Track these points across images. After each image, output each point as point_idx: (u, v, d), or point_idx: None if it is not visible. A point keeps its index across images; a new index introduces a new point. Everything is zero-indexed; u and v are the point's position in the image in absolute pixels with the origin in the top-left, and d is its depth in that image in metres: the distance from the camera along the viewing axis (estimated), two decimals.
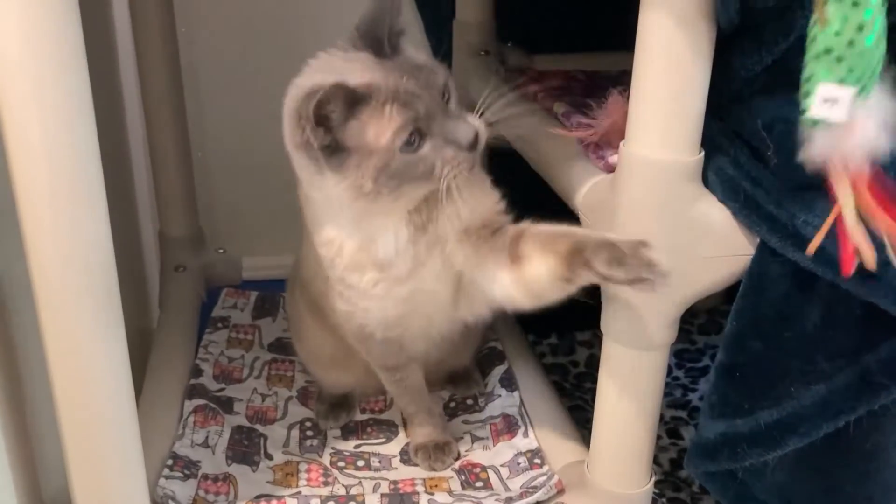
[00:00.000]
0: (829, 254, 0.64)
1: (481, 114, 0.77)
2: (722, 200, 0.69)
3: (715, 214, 0.69)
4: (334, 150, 0.74)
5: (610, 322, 0.76)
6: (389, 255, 0.81)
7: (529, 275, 0.77)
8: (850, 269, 0.61)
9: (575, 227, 0.76)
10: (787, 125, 0.67)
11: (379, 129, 0.73)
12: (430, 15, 1.38)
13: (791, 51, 0.65)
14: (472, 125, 0.75)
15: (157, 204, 1.35)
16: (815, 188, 0.67)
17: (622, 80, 0.73)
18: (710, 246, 0.69)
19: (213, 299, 1.29)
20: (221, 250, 1.38)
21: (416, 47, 0.79)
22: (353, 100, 0.72)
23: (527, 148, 0.96)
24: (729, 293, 1.41)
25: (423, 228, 0.80)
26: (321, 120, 0.72)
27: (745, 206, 0.68)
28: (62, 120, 0.58)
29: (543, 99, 0.98)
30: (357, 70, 0.75)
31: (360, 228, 0.80)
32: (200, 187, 1.39)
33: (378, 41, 0.76)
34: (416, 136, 0.73)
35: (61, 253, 0.61)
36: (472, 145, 0.75)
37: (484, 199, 0.83)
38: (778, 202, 0.67)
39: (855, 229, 0.60)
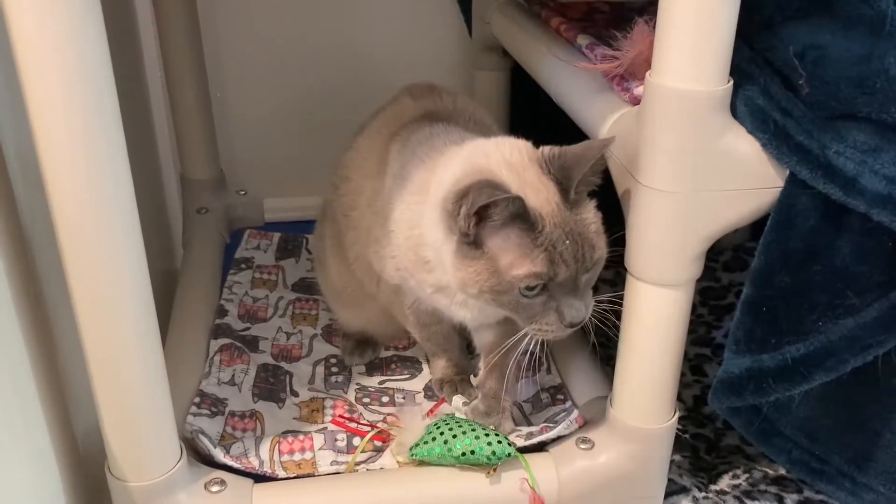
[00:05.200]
0: (862, 185, 0.63)
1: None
2: (751, 132, 0.67)
3: (743, 146, 0.67)
4: (470, 242, 0.74)
5: (633, 258, 0.75)
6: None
7: None
8: None
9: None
10: (820, 52, 0.65)
11: (515, 261, 0.72)
12: None
13: None
14: (584, 312, 0.75)
15: (178, 147, 1.35)
16: (848, 118, 0.65)
17: (647, 11, 0.71)
18: (738, 178, 0.68)
19: (235, 241, 1.29)
20: (243, 192, 1.39)
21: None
22: (519, 218, 0.71)
23: (550, 82, 0.94)
24: (754, 230, 1.40)
25: None
26: (479, 211, 0.71)
27: (774, 137, 0.66)
28: (78, 64, 0.56)
29: (566, 31, 0.96)
30: (540, 195, 0.73)
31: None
32: (221, 130, 1.38)
33: (567, 180, 0.74)
34: (538, 288, 0.73)
35: (81, 198, 0.60)
36: (573, 326, 0.76)
37: None
38: (809, 133, 0.65)
39: None
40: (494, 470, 0.80)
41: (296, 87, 1.45)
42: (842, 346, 0.68)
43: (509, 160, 0.76)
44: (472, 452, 0.79)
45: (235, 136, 1.46)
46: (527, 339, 0.78)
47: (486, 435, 0.80)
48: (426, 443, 0.81)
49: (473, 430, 0.80)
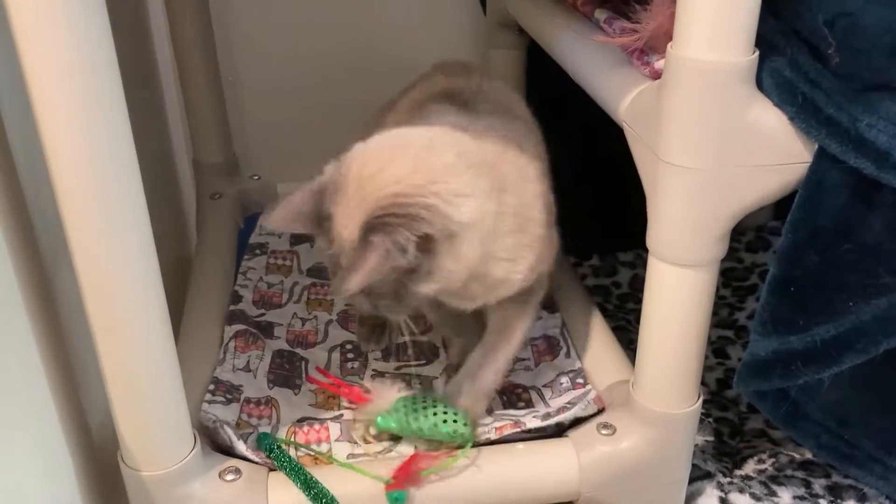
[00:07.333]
0: (895, 158, 0.60)
1: None
2: (777, 104, 0.64)
3: (770, 120, 0.64)
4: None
5: (655, 239, 0.72)
6: None
7: None
8: None
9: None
10: (850, 20, 0.62)
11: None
12: None
13: None
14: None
15: (190, 132, 1.34)
16: (881, 89, 0.62)
17: None
18: (764, 154, 0.65)
19: (250, 226, 1.28)
20: (256, 177, 1.37)
21: None
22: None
23: (567, 59, 0.91)
24: (778, 209, 1.36)
25: None
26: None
27: (802, 109, 0.63)
28: (81, 48, 0.54)
29: (584, 6, 0.93)
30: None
31: None
32: (233, 113, 1.37)
33: None
34: None
35: (87, 186, 0.58)
36: None
37: None
38: (839, 105, 0.62)
39: None
40: (454, 452, 0.80)
41: (308, 70, 1.44)
42: (874, 326, 0.66)
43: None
44: (435, 426, 0.80)
45: (248, 120, 1.45)
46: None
47: (455, 420, 0.81)
48: (395, 411, 0.82)
49: (445, 411, 0.81)
